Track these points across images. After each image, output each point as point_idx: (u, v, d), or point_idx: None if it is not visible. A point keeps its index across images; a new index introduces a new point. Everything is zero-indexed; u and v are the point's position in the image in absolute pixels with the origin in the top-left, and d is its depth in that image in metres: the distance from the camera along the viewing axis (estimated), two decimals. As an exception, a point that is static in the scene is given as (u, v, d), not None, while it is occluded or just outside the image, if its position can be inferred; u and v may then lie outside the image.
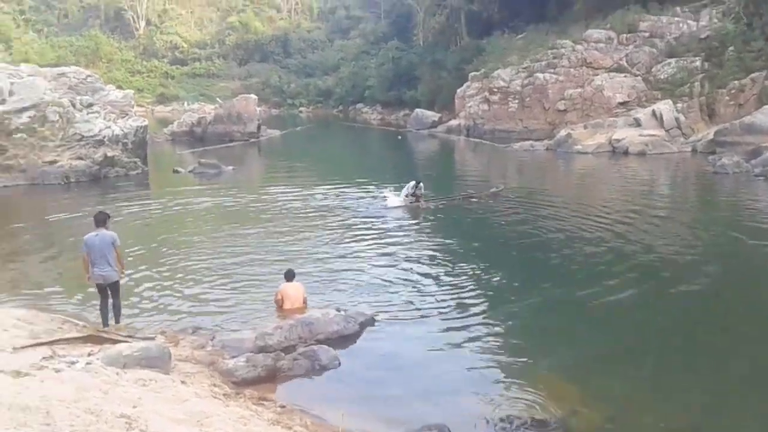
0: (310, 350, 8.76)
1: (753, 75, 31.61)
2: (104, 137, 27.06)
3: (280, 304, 10.95)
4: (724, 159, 24.37)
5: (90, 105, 27.86)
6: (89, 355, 7.87)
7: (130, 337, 8.96)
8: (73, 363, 7.45)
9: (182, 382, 7.49)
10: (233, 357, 8.74)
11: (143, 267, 13.33)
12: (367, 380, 8.48)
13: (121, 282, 10.22)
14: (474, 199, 20.58)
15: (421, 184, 20.06)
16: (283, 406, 7.39)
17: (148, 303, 11.29)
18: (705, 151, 28.67)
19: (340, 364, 8.72)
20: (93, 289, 10.16)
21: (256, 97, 47.48)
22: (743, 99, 31.70)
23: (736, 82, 32.00)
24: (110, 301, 9.77)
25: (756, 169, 23.32)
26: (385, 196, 20.44)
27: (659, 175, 26.34)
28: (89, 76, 30.70)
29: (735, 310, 11.05)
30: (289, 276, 11.14)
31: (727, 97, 32.21)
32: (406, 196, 19.93)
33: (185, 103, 78.83)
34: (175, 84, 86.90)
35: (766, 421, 7.34)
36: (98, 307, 9.95)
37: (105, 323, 9.74)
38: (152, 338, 9.13)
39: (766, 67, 31.40)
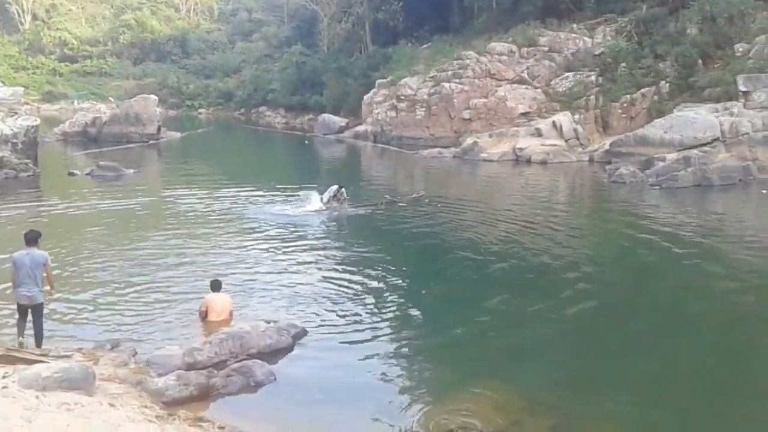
0: (244, 366, 8.40)
1: (643, 90, 33.51)
2: (-9, 137, 25.15)
3: (204, 317, 10.46)
4: (622, 169, 25.67)
5: (-25, 102, 25.84)
6: (3, 377, 7.18)
7: (44, 355, 8.25)
8: (-15, 387, 6.77)
9: (111, 405, 6.95)
10: (160, 375, 8.24)
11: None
12: (305, 395, 8.20)
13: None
14: (401, 204, 20.67)
15: (343, 189, 19.91)
16: (222, 427, 7.01)
17: (57, 318, 10.47)
18: (601, 161, 30.09)
19: (275, 378, 8.42)
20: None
21: (156, 97, 45.66)
22: (634, 112, 33.56)
23: (627, 96, 33.80)
24: (29, 323, 8.96)
25: (650, 179, 24.71)
26: (303, 198, 20.06)
27: (562, 183, 27.44)
28: (-27, 70, 28.47)
29: (643, 310, 11.59)
30: (216, 286, 10.67)
31: (619, 110, 33.98)
32: (328, 200, 19.70)
33: (75, 102, 74.77)
34: (64, 82, 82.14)
35: (708, 423, 7.65)
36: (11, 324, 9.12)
37: (20, 334, 8.93)
38: (69, 356, 8.47)
39: (655, 83, 33.37)
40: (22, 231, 9.37)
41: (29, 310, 8.91)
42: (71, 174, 27.13)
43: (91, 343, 9.48)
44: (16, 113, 27.86)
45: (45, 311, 9.30)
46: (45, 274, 8.89)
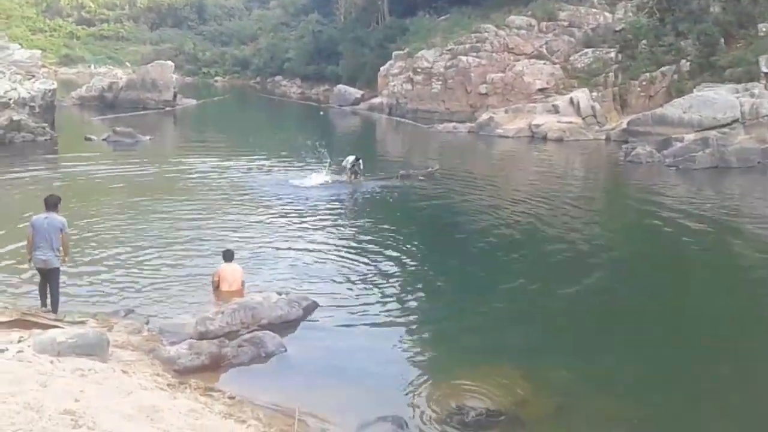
0: (255, 336, 8.51)
1: (663, 68, 33.04)
2: (10, 99, 25.31)
3: (216, 286, 10.58)
4: (639, 148, 25.42)
5: (-7, 65, 25.95)
6: (19, 341, 7.32)
7: (60, 321, 8.40)
8: (1, 351, 6.92)
9: (123, 372, 7.08)
10: (173, 343, 8.37)
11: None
12: (315, 368, 8.31)
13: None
14: (420, 178, 20.74)
15: (360, 160, 19.98)
16: (233, 397, 7.12)
17: (72, 283, 10.62)
18: (618, 140, 29.80)
19: (286, 350, 8.54)
20: (18, 269, 9.49)
21: (172, 64, 45.62)
22: (653, 91, 33.14)
23: (647, 74, 33.36)
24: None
25: (667, 159, 24.47)
26: (318, 170, 20.05)
27: (578, 162, 27.25)
28: (-9, 34, 28.53)
29: (657, 292, 11.60)
30: (228, 257, 10.76)
31: (638, 89, 33.57)
32: (346, 170, 19.74)
33: (91, 66, 74.82)
34: (81, 45, 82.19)
35: (715, 405, 7.68)
36: (34, 290, 9.29)
37: (43, 303, 9.10)
38: (83, 322, 8.62)
39: (676, 62, 32.90)
40: (38, 195, 9.48)
41: (45, 273, 9.04)
42: (88, 139, 27.28)
43: (106, 309, 9.62)
44: (33, 76, 27.95)
45: (61, 278, 9.43)
46: (60, 240, 8.98)
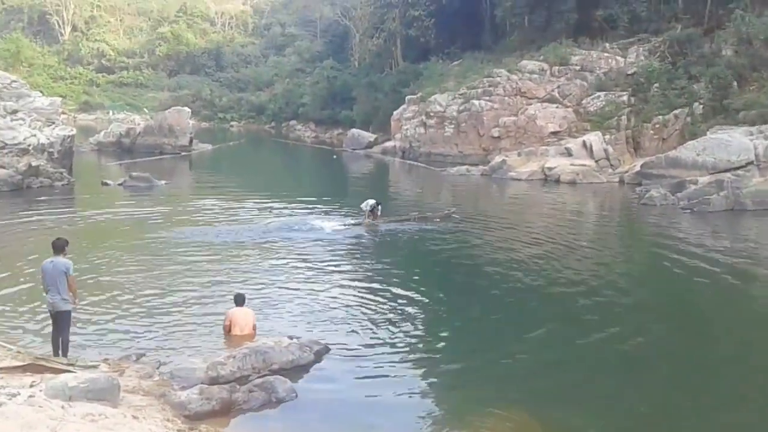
0: (266, 381, 8.43)
1: (676, 111, 33.14)
2: (29, 146, 25.81)
3: (227, 330, 10.54)
4: (653, 191, 25.34)
5: (15, 111, 26.52)
6: (31, 386, 7.30)
7: (71, 365, 8.39)
8: (14, 395, 6.89)
9: (134, 417, 7.03)
10: (184, 388, 8.30)
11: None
12: (326, 414, 8.20)
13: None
14: (435, 220, 20.95)
15: (380, 204, 20.35)
16: (243, 443, 7.04)
17: (84, 328, 10.64)
18: (631, 183, 29.75)
19: (297, 396, 8.43)
20: (31, 313, 9.52)
21: (189, 109, 46.40)
22: (666, 134, 33.18)
23: (660, 117, 33.46)
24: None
25: (682, 202, 24.37)
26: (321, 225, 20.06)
27: (591, 204, 27.18)
28: (14, 81, 29.30)
29: (670, 334, 11.41)
30: (239, 301, 10.75)
31: (651, 131, 33.63)
32: (365, 214, 20.02)
33: (110, 113, 76.32)
34: (100, 92, 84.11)
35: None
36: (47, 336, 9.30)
37: (55, 353, 9.08)
38: (95, 366, 8.59)
39: (688, 104, 33.01)
40: (51, 239, 9.53)
41: (55, 317, 9.06)
42: (104, 184, 27.64)
43: (117, 353, 9.60)
44: (53, 123, 28.49)
45: (73, 321, 9.43)
46: (66, 283, 9.00)
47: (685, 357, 10.50)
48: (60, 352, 9.04)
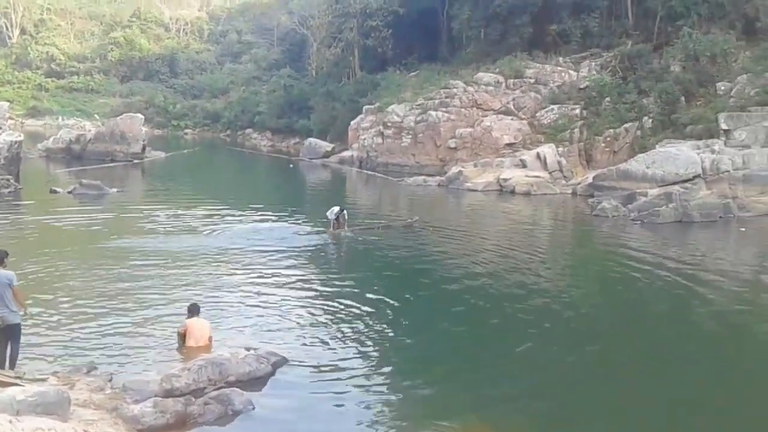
0: (222, 394, 8.28)
1: (626, 125, 33.97)
2: (-26, 152, 24.91)
3: (182, 341, 10.33)
4: (604, 203, 25.88)
5: (-42, 116, 25.63)
6: None
7: (19, 378, 8.09)
8: (-43, 412, 6.60)
9: (85, 431, 6.81)
10: (137, 401, 8.10)
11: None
12: (283, 425, 8.13)
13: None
14: (415, 226, 21.53)
15: (345, 211, 20.39)
16: (199, 457, 6.89)
17: (32, 339, 10.27)
18: (584, 194, 30.34)
19: (254, 408, 8.31)
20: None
21: (141, 116, 45.56)
22: (617, 147, 33.97)
23: (611, 130, 34.25)
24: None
25: (632, 213, 24.94)
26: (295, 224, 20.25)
27: (545, 215, 27.60)
28: (-42, 84, 28.28)
29: (624, 344, 11.65)
30: (194, 311, 10.55)
31: (603, 144, 34.39)
32: (330, 222, 20.04)
33: (60, 118, 74.38)
34: (49, 97, 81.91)
35: None
36: None
37: (1, 365, 8.73)
38: (44, 380, 8.31)
39: (638, 118, 33.87)
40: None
41: (4, 331, 8.73)
42: (53, 191, 26.89)
43: (67, 366, 9.31)
44: (-1, 128, 27.65)
45: (24, 332, 9.11)
46: (12, 294, 8.69)
47: (637, 356, 10.72)
48: (7, 365, 8.71)
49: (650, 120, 33.17)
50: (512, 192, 31.51)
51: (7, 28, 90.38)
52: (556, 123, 36.66)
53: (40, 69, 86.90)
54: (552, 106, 37.69)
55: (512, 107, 38.43)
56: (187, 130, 75.35)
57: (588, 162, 34.54)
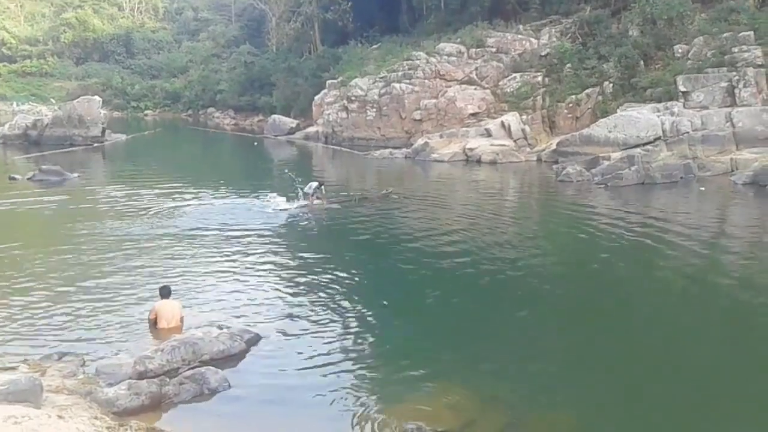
0: (197, 373, 8.28)
1: (588, 90, 34.31)
2: (-75, 141, 24.14)
3: (153, 324, 10.28)
4: (568, 168, 26.22)
5: None
6: None
7: (-12, 368, 8.00)
8: (-75, 404, 6.52)
9: (59, 417, 6.76)
10: (110, 384, 8.06)
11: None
12: (259, 401, 8.16)
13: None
14: (393, 197, 22.09)
15: (323, 186, 20.74)
16: (176, 436, 6.91)
17: (1, 328, 10.13)
18: (549, 161, 30.66)
19: (229, 386, 8.32)
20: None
21: (99, 98, 44.53)
22: (579, 112, 34.33)
23: (573, 96, 34.55)
24: None
25: (596, 177, 25.31)
26: (271, 199, 20.43)
27: (512, 183, 27.85)
28: None
29: (592, 305, 11.97)
30: (165, 293, 10.48)
31: (565, 111, 34.71)
32: (309, 196, 20.21)
33: (14, 104, 72.41)
34: (2, 83, 79.58)
35: (660, 419, 7.86)
36: None
37: None
38: (14, 368, 8.22)
39: (599, 84, 34.22)
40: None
41: None
42: (12, 179, 26.26)
43: (37, 353, 9.20)
44: (-49, 116, 26.81)
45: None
46: None
47: (605, 323, 10.98)
48: None
49: (611, 85, 33.53)
50: (478, 161, 31.69)
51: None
52: (518, 91, 36.84)
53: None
54: (514, 75, 37.84)
55: (475, 77, 38.50)
56: (147, 112, 73.97)
57: (551, 129, 34.88)
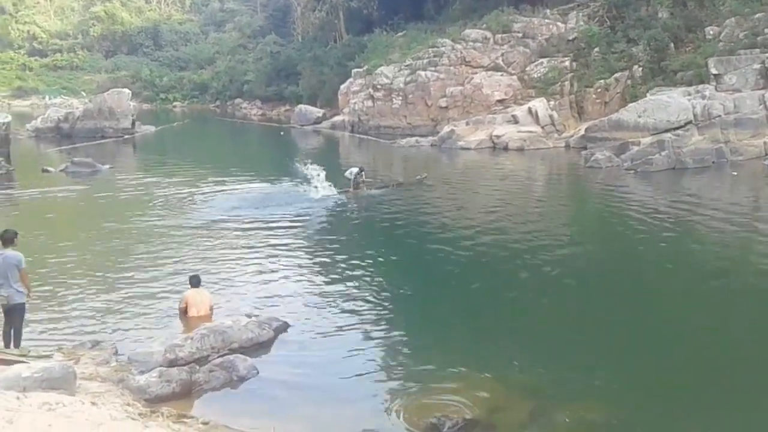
0: (226, 360, 8.41)
1: (616, 75, 33.77)
2: (-39, 134, 24.72)
3: (183, 312, 10.44)
4: (597, 154, 25.89)
5: (-57, 99, 25.37)
6: None
7: (24, 356, 8.19)
8: (-35, 390, 6.70)
9: (92, 404, 6.89)
10: (142, 372, 8.22)
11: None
12: (289, 389, 8.24)
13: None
14: (425, 183, 22.47)
15: (363, 171, 20.94)
16: (206, 423, 7.02)
17: (35, 316, 10.35)
18: (577, 147, 30.31)
19: (258, 373, 8.44)
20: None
21: (129, 91, 45.11)
22: (608, 97, 33.82)
23: (601, 81, 34.04)
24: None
25: (625, 163, 24.98)
26: (307, 186, 20.47)
27: (540, 169, 27.63)
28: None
29: (621, 292, 11.83)
30: (195, 282, 10.64)
31: (594, 96, 34.22)
32: (351, 181, 20.49)
33: (46, 98, 73.59)
34: (34, 77, 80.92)
35: (687, 407, 7.79)
36: None
37: (6, 345, 8.79)
38: (49, 356, 8.42)
39: (628, 68, 33.67)
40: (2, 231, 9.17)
41: (9, 312, 8.78)
42: (45, 171, 26.77)
43: (71, 341, 9.41)
44: (-14, 110, 27.39)
45: (27, 310, 9.17)
46: (18, 276, 8.71)
47: (633, 313, 10.86)
48: (12, 344, 8.79)
49: (640, 69, 32.96)
50: (505, 148, 31.46)
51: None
52: (546, 76, 36.39)
53: (23, 48, 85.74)
54: (541, 60, 37.38)
55: (501, 63, 38.12)
56: (175, 103, 74.61)
57: (580, 114, 34.42)
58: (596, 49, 35.69)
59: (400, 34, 47.45)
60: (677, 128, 26.80)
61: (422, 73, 38.27)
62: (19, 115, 52.27)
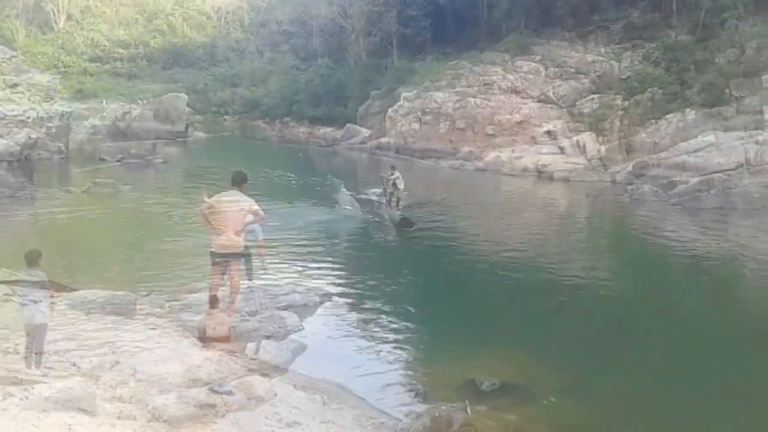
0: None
1: (668, 116, 33.61)
2: (28, 118, 25.81)
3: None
4: (644, 188, 25.77)
5: (14, 85, 26.59)
6: (4, 398, 7.15)
7: (44, 375, 8.20)
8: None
9: (112, 426, 6.98)
10: (162, 392, 8.09)
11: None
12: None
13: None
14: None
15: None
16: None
17: (55, 333, 10.06)
18: (623, 182, 30.15)
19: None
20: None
21: (185, 96, 46.44)
22: (658, 137, 33.61)
23: (653, 121, 33.96)
24: None
25: (672, 199, 24.79)
26: (345, 200, 20.48)
27: (584, 199, 27.52)
28: (14, 56, 29.33)
29: (665, 312, 11.68)
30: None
31: (643, 135, 34.09)
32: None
33: (103, 101, 75.96)
34: (94, 82, 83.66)
35: (706, 388, 7.75)
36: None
37: (28, 365, 8.39)
38: (68, 376, 8.39)
39: (680, 110, 33.48)
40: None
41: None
42: (102, 159, 27.70)
43: (90, 361, 9.27)
44: (51, 99, 28.55)
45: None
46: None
47: (667, 322, 10.76)
48: (33, 364, 8.57)
49: (693, 111, 32.79)
50: (550, 178, 31.46)
51: (54, 14, 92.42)
52: (596, 112, 36.40)
53: (85, 54, 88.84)
54: (593, 96, 37.43)
55: (552, 95, 38.31)
56: (226, 117, 76.26)
57: (628, 152, 34.26)
58: (649, 90, 35.65)
59: (451, 62, 48.01)
60: (728, 171, 26.51)
61: (471, 99, 38.68)
62: (77, 117, 53.90)
